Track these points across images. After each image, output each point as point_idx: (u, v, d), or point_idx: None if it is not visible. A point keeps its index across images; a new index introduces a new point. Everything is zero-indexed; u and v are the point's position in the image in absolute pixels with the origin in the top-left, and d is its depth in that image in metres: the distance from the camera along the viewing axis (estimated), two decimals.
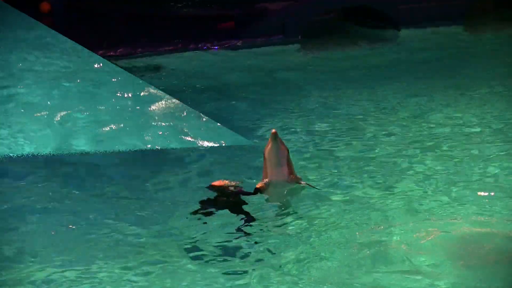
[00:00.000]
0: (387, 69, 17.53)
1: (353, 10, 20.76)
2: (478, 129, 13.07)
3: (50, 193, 10.73)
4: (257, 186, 10.33)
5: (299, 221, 9.80)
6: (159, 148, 12.37)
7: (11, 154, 11.95)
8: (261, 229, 9.63)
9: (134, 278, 8.67)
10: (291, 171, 10.39)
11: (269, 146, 10.25)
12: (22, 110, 13.21)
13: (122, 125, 13.05)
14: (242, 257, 9.01)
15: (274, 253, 9.08)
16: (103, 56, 17.59)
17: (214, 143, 12.46)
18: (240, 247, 9.22)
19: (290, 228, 9.66)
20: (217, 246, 9.24)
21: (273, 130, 10.29)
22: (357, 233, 9.43)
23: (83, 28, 19.91)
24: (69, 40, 15.66)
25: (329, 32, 20.30)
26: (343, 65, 17.89)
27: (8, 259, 9.17)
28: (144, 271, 8.74)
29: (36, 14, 20.66)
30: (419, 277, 8.48)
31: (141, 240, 9.47)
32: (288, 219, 9.87)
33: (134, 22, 20.46)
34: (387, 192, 10.58)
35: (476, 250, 9.17)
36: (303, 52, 18.93)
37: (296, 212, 10.06)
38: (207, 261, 8.94)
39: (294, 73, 17.28)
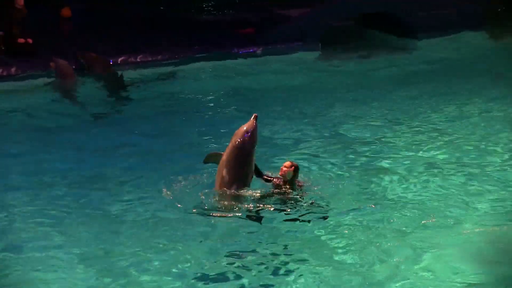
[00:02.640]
0: (406, 75, 17.51)
1: (373, 17, 20.73)
2: (499, 133, 13.22)
3: None
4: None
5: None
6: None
7: None
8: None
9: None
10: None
11: None
12: None
13: None
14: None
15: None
16: (124, 62, 17.67)
17: None
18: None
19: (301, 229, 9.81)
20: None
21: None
22: (373, 233, 9.59)
23: (103, 33, 19.94)
24: None
25: (349, 39, 20.29)
26: (362, 72, 17.88)
27: None
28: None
29: (56, 19, 20.84)
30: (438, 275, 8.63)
31: None
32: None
33: (154, 28, 20.49)
34: (401, 192, 10.79)
35: (496, 247, 9.33)
36: (322, 59, 18.90)
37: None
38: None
39: (313, 80, 17.27)
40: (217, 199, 10.40)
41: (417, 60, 18.90)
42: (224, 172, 10.41)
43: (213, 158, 10.62)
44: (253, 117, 10.42)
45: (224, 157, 10.44)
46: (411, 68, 18.19)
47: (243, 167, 10.47)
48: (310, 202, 10.30)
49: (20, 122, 14.43)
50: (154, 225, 10.00)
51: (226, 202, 10.33)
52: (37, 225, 10.00)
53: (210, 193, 10.51)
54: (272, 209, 10.17)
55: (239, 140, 10.34)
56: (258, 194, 10.43)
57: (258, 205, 10.26)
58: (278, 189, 10.51)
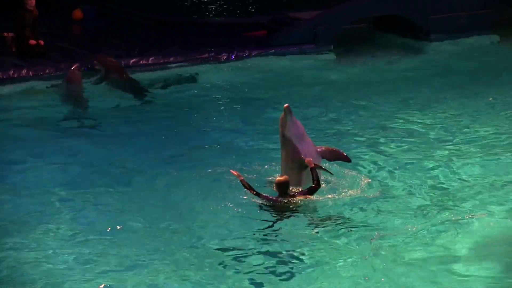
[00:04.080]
0: (417, 78, 17.44)
1: (385, 20, 20.65)
2: (505, 134, 13.24)
3: None
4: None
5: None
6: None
7: None
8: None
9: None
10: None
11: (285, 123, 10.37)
12: None
13: None
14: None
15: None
16: (135, 64, 17.59)
17: None
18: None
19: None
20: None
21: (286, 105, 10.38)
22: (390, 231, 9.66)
23: (114, 35, 19.91)
24: None
25: (361, 41, 20.23)
26: (374, 74, 17.83)
27: None
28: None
29: (68, 21, 20.86)
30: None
31: None
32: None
33: (165, 30, 20.46)
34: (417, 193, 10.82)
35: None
36: (334, 61, 18.82)
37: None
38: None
39: (325, 83, 17.18)
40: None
41: (428, 62, 18.87)
42: None
43: None
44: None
45: None
46: (422, 70, 18.14)
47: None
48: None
49: (28, 123, 14.41)
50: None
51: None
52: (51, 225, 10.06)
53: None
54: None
55: None
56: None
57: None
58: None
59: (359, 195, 10.58)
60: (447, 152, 12.45)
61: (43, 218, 10.25)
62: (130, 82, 16.57)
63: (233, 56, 18.36)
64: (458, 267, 8.87)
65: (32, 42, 17.27)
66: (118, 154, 12.75)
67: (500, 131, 13.51)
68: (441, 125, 13.91)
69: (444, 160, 12.09)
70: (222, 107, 15.44)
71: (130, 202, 10.74)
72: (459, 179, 11.37)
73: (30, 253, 9.26)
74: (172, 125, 14.31)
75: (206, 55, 18.23)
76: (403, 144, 12.95)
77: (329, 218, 10.00)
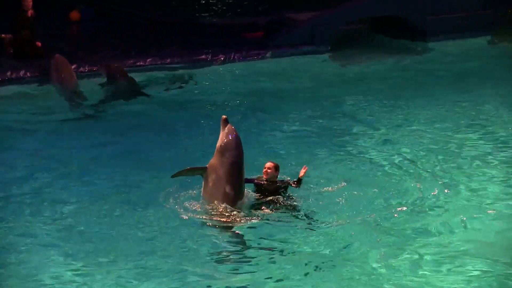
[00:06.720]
0: (414, 79, 17.44)
1: (383, 21, 20.63)
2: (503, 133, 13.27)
3: None
4: None
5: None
6: None
7: None
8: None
9: None
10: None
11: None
12: None
13: None
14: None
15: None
16: (132, 66, 17.60)
17: None
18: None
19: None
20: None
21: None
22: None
23: (112, 36, 19.94)
24: None
25: (358, 42, 20.21)
26: (371, 75, 17.81)
27: None
28: None
29: (66, 22, 20.89)
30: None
31: None
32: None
33: (162, 31, 20.48)
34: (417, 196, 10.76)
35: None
36: (332, 62, 18.81)
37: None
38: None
39: (321, 84, 17.18)
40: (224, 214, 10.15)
41: (425, 63, 18.86)
42: (228, 188, 10.15)
43: (191, 173, 10.34)
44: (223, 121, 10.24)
45: (221, 173, 10.16)
46: (419, 71, 18.14)
47: (242, 177, 10.37)
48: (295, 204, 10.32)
49: (27, 124, 14.45)
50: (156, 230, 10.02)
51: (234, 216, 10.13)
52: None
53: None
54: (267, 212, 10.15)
55: (236, 152, 10.18)
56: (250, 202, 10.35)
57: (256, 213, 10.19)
58: (260, 189, 10.44)
59: (356, 197, 10.66)
60: (446, 152, 12.48)
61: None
62: (132, 85, 16.61)
63: (237, 57, 18.41)
64: (459, 268, 8.93)
65: (38, 44, 17.36)
66: (112, 155, 12.85)
67: (500, 131, 13.52)
68: (438, 125, 13.91)
69: (443, 160, 12.12)
70: (217, 109, 15.42)
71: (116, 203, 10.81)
72: (460, 178, 11.41)
73: None
74: (169, 126, 14.37)
75: (203, 56, 18.24)
76: (399, 144, 12.97)
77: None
